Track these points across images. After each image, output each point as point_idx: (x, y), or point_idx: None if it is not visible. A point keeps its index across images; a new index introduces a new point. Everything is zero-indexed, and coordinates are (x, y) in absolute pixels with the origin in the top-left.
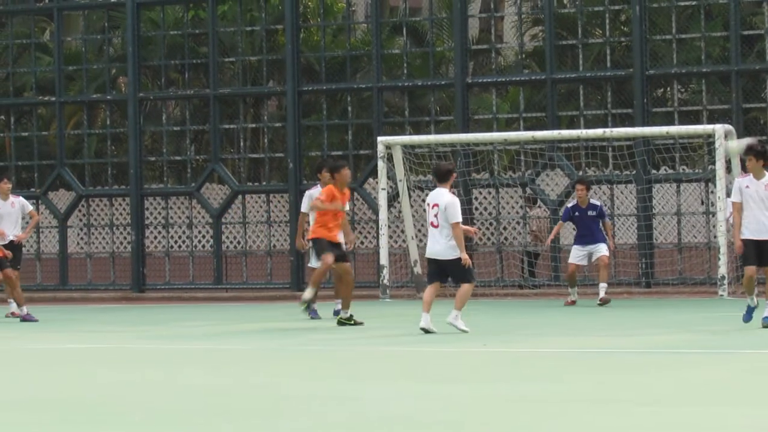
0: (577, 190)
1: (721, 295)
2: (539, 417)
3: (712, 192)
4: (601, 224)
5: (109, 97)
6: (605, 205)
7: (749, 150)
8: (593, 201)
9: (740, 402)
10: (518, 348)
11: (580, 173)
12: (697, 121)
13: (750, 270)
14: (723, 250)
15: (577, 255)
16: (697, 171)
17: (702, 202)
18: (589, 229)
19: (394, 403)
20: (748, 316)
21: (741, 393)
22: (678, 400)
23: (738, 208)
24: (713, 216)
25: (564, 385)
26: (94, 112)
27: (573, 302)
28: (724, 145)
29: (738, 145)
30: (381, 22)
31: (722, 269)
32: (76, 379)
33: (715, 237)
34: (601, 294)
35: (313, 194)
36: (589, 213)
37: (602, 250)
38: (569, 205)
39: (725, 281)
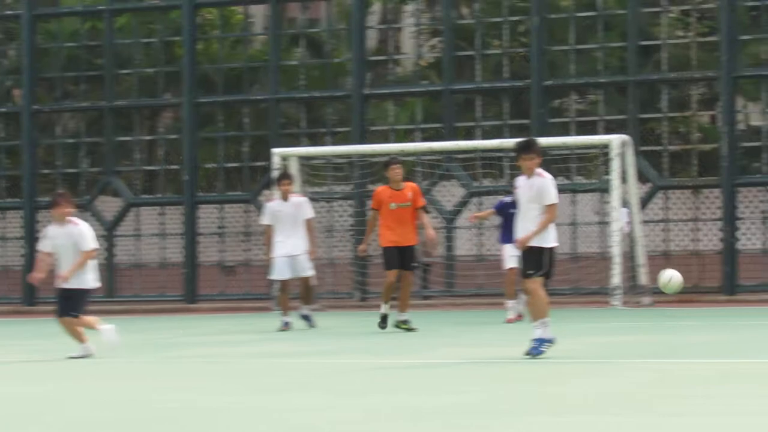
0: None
1: (615, 305)
2: (453, 429)
3: (606, 202)
4: None
5: (3, 109)
6: None
7: None
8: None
9: (632, 411)
10: (413, 359)
11: (476, 183)
12: (594, 132)
13: None
14: (617, 260)
15: (512, 254)
16: (592, 181)
17: (596, 212)
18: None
19: (296, 415)
20: None
21: (634, 402)
22: (573, 409)
23: None
24: (608, 226)
25: (468, 396)
26: None
27: (520, 317)
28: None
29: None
30: (279, 33)
31: (616, 279)
32: None
33: (609, 247)
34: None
35: (272, 206)
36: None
37: None
38: (507, 199)
39: (619, 291)
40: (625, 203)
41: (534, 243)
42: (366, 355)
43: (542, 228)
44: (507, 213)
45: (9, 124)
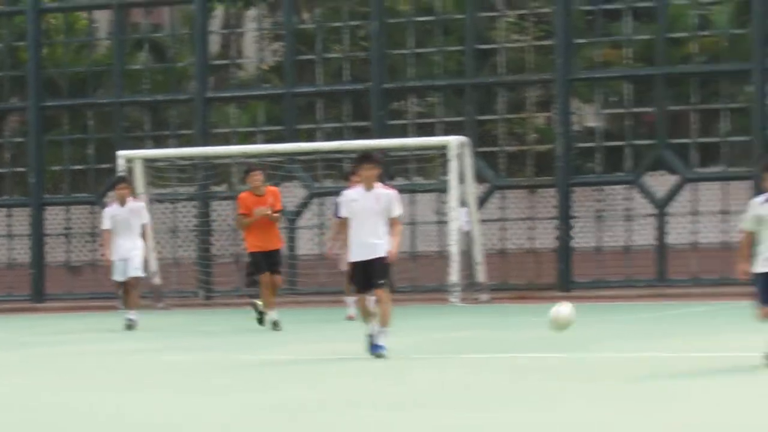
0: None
1: (453, 302)
2: (298, 424)
3: (445, 202)
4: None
5: None
6: None
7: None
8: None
9: (466, 404)
10: (258, 356)
11: (317, 185)
12: (432, 133)
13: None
14: (455, 258)
15: None
16: (431, 182)
17: (435, 212)
18: None
19: (133, 411)
20: None
21: (466, 395)
22: (410, 402)
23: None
24: (446, 224)
25: (311, 391)
26: None
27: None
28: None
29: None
30: (122, 38)
31: (454, 277)
32: None
33: (448, 245)
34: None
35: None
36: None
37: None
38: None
39: (457, 288)
40: (463, 203)
41: (382, 254)
42: (210, 353)
43: (399, 239)
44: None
45: None
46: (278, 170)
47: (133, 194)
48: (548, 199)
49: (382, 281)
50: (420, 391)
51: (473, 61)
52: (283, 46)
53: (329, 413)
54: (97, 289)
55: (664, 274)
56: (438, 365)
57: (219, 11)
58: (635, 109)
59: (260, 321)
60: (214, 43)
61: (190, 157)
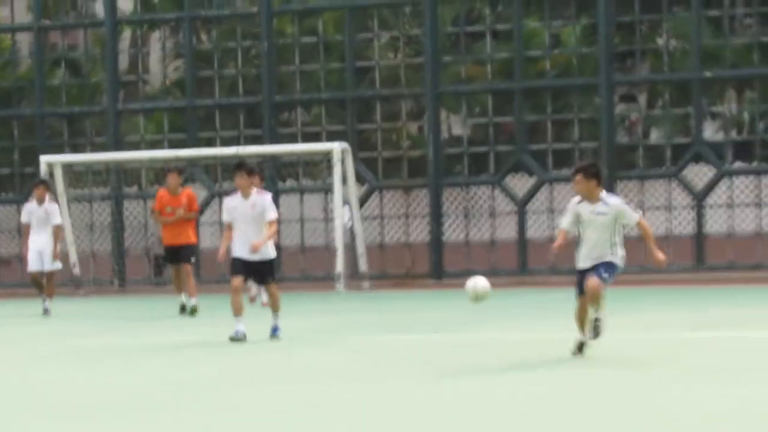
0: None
1: (338, 289)
2: (202, 397)
3: (330, 201)
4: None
5: None
6: None
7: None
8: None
9: (345, 380)
10: (163, 338)
11: (216, 186)
12: (318, 140)
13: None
14: (340, 250)
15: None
16: (317, 183)
17: (322, 210)
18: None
19: (38, 387)
20: None
21: (348, 372)
22: (298, 378)
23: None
24: (332, 221)
25: (209, 368)
26: None
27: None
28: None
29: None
30: (42, 58)
31: (339, 267)
32: None
33: (333, 240)
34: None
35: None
36: None
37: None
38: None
39: (341, 277)
40: (345, 202)
41: (270, 256)
42: (122, 336)
43: (269, 239)
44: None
45: None
46: (182, 174)
47: (51, 196)
48: (421, 198)
49: (272, 279)
50: (307, 367)
51: (353, 76)
52: (184, 63)
53: (225, 387)
54: (24, 279)
55: (525, 265)
56: (323, 345)
57: (127, 33)
58: (497, 119)
59: (182, 310)
60: (123, 61)
61: (104, 162)
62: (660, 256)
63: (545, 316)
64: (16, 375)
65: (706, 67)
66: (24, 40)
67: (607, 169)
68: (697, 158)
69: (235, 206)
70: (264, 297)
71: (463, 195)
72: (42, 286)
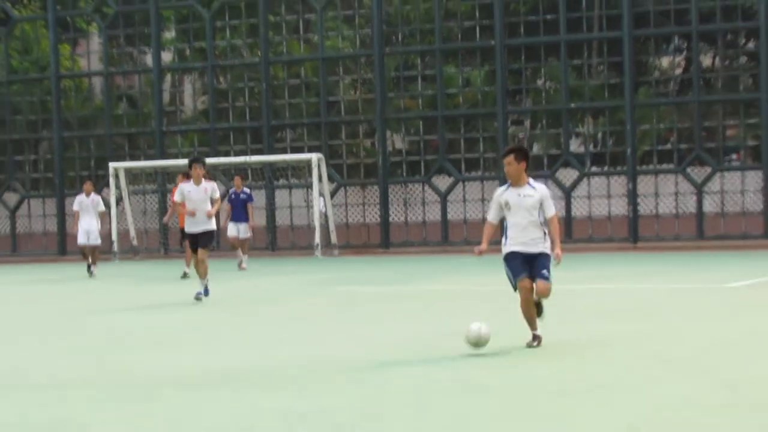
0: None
1: (317, 255)
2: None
3: (310, 194)
4: (247, 206)
5: None
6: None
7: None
8: (245, 189)
9: (319, 322)
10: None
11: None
12: (301, 152)
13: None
14: (317, 228)
15: (234, 229)
16: (301, 181)
17: (305, 200)
18: (240, 209)
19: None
20: None
21: (325, 311)
22: (291, 317)
23: None
24: (311, 208)
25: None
26: None
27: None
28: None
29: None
30: (110, 94)
31: (317, 239)
32: None
33: (313, 220)
34: (243, 264)
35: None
36: (241, 197)
37: (246, 227)
38: (231, 190)
39: (318, 247)
40: (321, 194)
41: (207, 228)
42: (166, 288)
43: (216, 210)
44: (232, 199)
45: None
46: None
47: (95, 191)
48: (374, 192)
49: (205, 246)
50: (295, 311)
51: (325, 107)
52: (208, 98)
53: (169, 339)
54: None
55: (447, 238)
56: (307, 294)
57: (168, 77)
58: (426, 137)
59: (184, 276)
60: (166, 97)
61: (153, 167)
62: (559, 253)
63: (460, 273)
64: (96, 318)
65: (572, 101)
66: (97, 82)
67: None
68: (566, 164)
69: (189, 190)
70: (244, 263)
71: (403, 190)
72: (87, 255)
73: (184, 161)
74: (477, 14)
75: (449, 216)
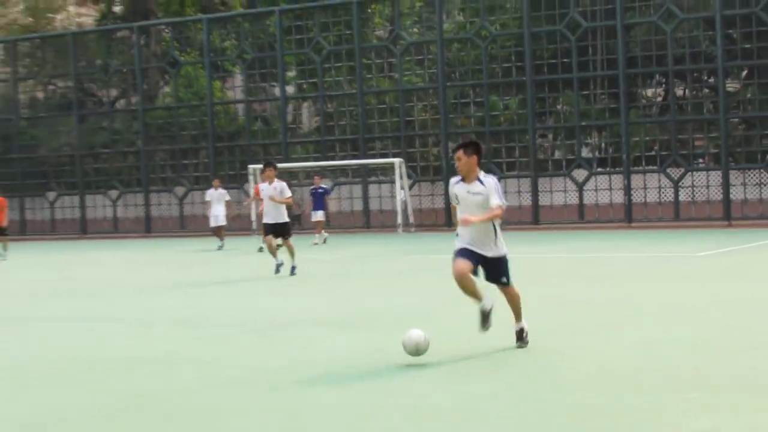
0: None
1: (399, 232)
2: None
3: (394, 187)
4: (324, 198)
5: None
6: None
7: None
8: (322, 185)
9: (403, 275)
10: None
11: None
12: (388, 157)
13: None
14: (399, 212)
15: (314, 215)
16: (389, 177)
17: (390, 191)
18: (319, 200)
19: None
20: None
21: (403, 271)
22: (375, 276)
23: None
24: (395, 197)
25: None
26: None
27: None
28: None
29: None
30: (249, 116)
31: (399, 220)
32: None
33: (396, 206)
34: (316, 240)
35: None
36: (319, 191)
37: (323, 214)
38: (311, 187)
39: (400, 226)
40: (401, 187)
41: (282, 221)
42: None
43: (287, 200)
44: (316, 194)
45: None
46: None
47: (222, 186)
48: (440, 186)
49: (284, 236)
50: (379, 269)
51: (404, 125)
52: (319, 119)
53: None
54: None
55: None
56: (390, 260)
57: (292, 103)
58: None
59: (260, 250)
60: (289, 117)
61: (281, 168)
62: (471, 219)
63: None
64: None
65: (582, 120)
66: (239, 108)
67: (532, 170)
68: (578, 166)
69: (264, 189)
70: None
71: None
72: (219, 234)
73: (302, 164)
74: (513, 58)
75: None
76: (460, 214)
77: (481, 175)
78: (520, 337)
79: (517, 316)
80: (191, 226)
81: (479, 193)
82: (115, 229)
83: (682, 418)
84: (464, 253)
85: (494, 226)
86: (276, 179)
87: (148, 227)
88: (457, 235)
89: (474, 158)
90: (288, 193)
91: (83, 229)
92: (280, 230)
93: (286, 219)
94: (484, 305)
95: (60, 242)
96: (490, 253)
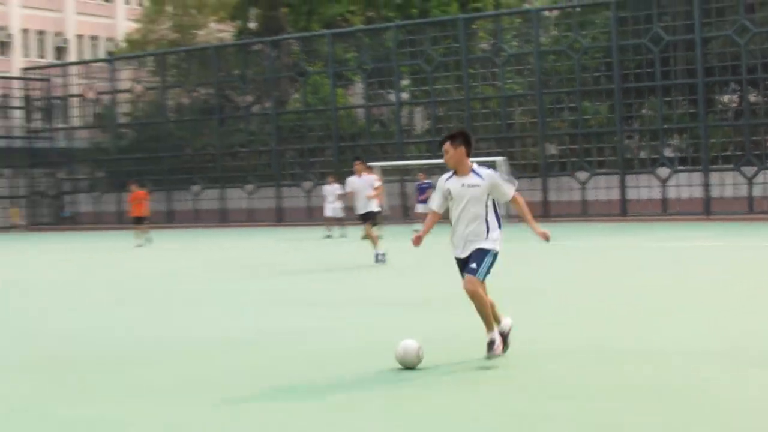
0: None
1: None
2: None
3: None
4: (427, 192)
5: None
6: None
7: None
8: (426, 180)
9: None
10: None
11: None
12: (491, 156)
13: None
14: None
15: (420, 207)
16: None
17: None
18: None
19: None
20: None
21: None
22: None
23: None
24: None
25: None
26: None
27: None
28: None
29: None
30: (369, 119)
31: (503, 212)
32: None
33: None
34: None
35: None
36: (423, 185)
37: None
38: (416, 182)
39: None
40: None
41: (373, 209)
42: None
43: (379, 193)
44: (421, 188)
45: None
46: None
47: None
48: (537, 182)
49: (370, 221)
50: (434, 260)
51: (505, 127)
52: (430, 122)
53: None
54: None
55: (586, 213)
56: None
57: (405, 108)
58: (570, 146)
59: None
60: (404, 119)
61: (394, 166)
62: (541, 231)
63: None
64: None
65: (665, 123)
66: (360, 112)
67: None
68: (662, 164)
69: (353, 181)
70: (418, 226)
71: (556, 180)
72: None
73: (417, 162)
74: (602, 68)
75: (587, 197)
76: (454, 211)
77: (475, 167)
78: (490, 347)
79: (488, 324)
80: (317, 215)
81: (476, 185)
82: (250, 218)
83: None
84: (460, 270)
85: (487, 222)
86: (365, 173)
87: (279, 217)
88: (452, 230)
89: (462, 149)
90: (376, 184)
91: (223, 218)
92: (368, 217)
93: (374, 208)
94: (502, 327)
95: (203, 230)
96: (470, 248)
